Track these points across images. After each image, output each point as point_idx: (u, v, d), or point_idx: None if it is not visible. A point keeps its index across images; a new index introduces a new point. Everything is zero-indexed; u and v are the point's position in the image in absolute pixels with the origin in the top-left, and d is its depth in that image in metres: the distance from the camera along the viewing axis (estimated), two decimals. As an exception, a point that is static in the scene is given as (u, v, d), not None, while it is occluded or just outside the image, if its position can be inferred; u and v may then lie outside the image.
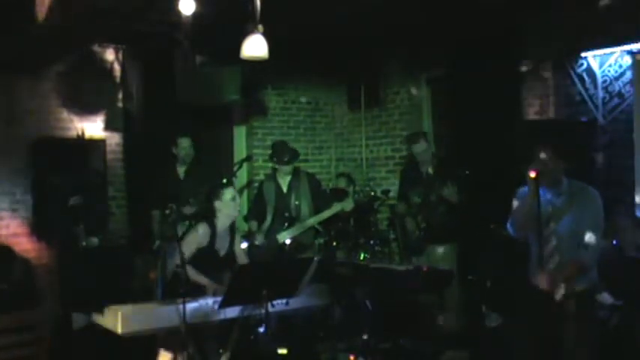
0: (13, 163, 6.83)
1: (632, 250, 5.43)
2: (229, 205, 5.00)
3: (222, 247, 5.04)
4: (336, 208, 6.13)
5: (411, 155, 6.28)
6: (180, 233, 5.02)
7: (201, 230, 4.92)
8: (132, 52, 7.33)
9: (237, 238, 5.24)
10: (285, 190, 6.27)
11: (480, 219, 5.78)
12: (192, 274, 4.78)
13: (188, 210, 6.11)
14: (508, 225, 4.09)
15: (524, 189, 3.97)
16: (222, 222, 5.01)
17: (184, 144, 6.49)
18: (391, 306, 5.64)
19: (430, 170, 5.89)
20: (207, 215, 5.01)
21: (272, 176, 6.44)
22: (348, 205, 6.13)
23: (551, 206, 3.97)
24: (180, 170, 6.56)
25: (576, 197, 3.93)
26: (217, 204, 4.99)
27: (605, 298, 4.94)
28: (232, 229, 5.15)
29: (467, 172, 5.65)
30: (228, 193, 5.02)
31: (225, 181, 6.24)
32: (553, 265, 3.95)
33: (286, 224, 6.16)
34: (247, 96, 7.46)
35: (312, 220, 6.19)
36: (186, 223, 5.77)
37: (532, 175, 3.81)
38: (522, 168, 3.90)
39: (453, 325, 5.84)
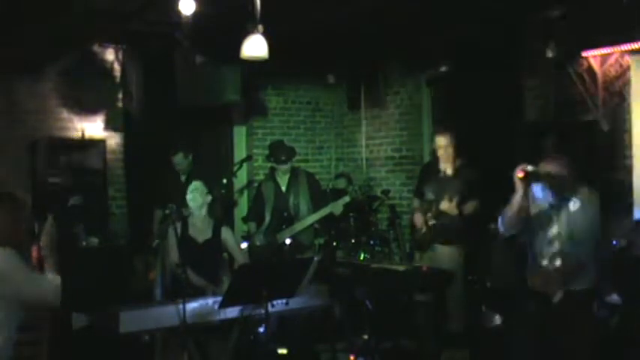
0: (13, 163, 6.83)
1: (633, 249, 5.43)
2: (189, 199, 5.20)
3: (198, 234, 5.18)
4: (330, 208, 6.14)
5: (434, 150, 6.24)
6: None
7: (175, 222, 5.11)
8: (132, 52, 7.32)
9: (227, 231, 5.30)
10: (284, 189, 6.28)
11: (482, 220, 5.78)
12: (192, 277, 4.81)
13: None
14: (499, 222, 4.10)
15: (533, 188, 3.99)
16: (191, 211, 5.22)
17: (177, 160, 6.59)
18: (391, 306, 5.64)
19: (448, 170, 5.86)
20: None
21: (271, 176, 6.45)
22: (344, 200, 6.14)
23: (554, 210, 3.97)
24: (183, 176, 6.61)
25: (580, 200, 3.94)
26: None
27: (614, 299, 4.94)
28: (215, 217, 5.28)
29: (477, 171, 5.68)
30: (191, 187, 5.24)
31: (225, 181, 6.27)
32: (553, 269, 3.95)
33: (285, 224, 6.17)
34: (247, 96, 7.46)
35: (308, 220, 6.19)
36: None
37: (520, 175, 3.84)
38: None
39: (453, 325, 5.84)
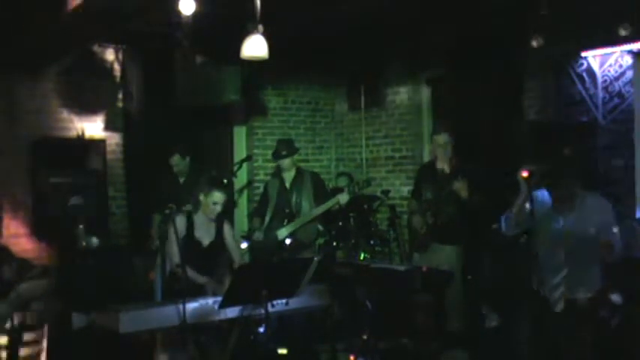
0: (13, 163, 6.82)
1: (633, 250, 5.42)
2: (208, 207, 5.06)
3: (204, 236, 5.13)
4: (332, 201, 6.14)
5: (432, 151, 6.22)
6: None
7: (178, 220, 4.92)
8: (132, 52, 7.33)
9: (228, 228, 5.27)
10: (287, 186, 6.31)
11: (482, 219, 5.78)
12: (191, 273, 4.81)
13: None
14: (502, 222, 4.10)
15: (538, 192, 3.99)
16: (200, 214, 5.11)
17: (174, 162, 6.61)
18: (391, 306, 5.64)
19: (446, 169, 5.87)
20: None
21: (277, 173, 6.52)
22: (343, 198, 6.14)
23: (562, 218, 3.96)
24: (181, 178, 6.61)
25: (587, 209, 3.94)
26: (201, 197, 5.10)
27: (615, 299, 4.93)
28: (220, 219, 5.21)
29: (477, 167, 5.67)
30: (214, 197, 5.06)
31: (225, 181, 6.26)
32: (558, 280, 3.94)
33: (286, 220, 6.18)
34: (247, 96, 7.45)
35: (310, 215, 6.20)
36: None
37: (524, 175, 3.85)
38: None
39: (453, 325, 5.83)
